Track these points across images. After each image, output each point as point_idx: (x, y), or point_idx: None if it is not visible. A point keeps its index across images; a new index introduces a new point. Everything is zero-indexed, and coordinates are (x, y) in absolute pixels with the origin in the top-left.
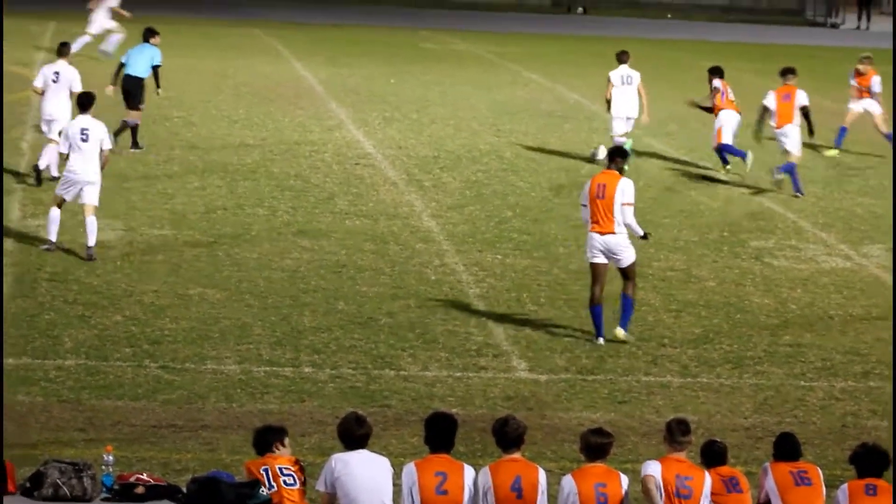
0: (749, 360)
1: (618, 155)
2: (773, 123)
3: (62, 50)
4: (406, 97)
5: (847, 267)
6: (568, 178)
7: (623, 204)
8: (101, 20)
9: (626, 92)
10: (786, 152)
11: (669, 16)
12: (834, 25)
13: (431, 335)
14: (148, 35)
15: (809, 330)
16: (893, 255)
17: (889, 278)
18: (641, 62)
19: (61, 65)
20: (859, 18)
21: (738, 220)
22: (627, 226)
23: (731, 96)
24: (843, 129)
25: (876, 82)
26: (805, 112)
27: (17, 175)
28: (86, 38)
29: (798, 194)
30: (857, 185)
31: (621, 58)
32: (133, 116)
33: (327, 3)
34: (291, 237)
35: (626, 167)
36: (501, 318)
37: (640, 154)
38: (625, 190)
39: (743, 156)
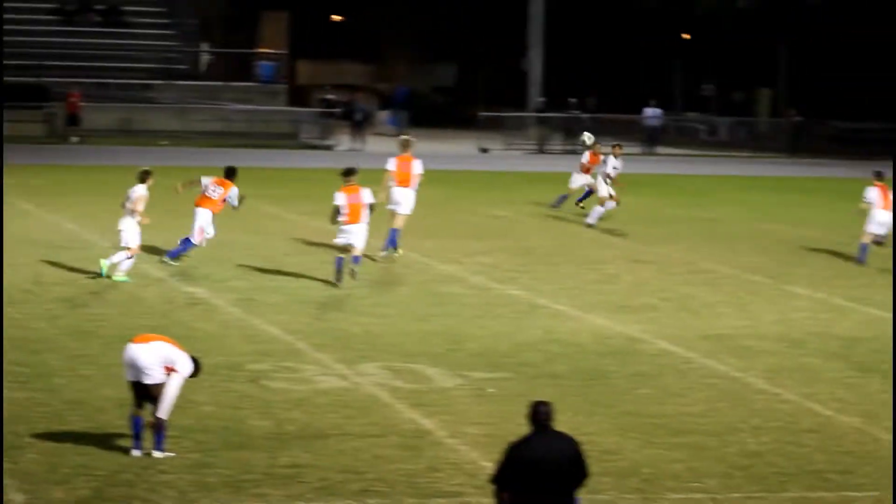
0: (248, 482)
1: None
2: (341, 219)
3: None
4: None
5: (343, 386)
6: (65, 308)
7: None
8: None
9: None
10: (349, 246)
11: (165, 142)
12: (328, 147)
13: None
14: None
15: (307, 450)
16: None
17: (384, 395)
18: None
19: None
20: (353, 140)
21: (234, 344)
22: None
23: (213, 194)
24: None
25: None
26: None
27: None
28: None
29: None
30: (353, 304)
31: (142, 178)
32: None
33: None
34: None
35: None
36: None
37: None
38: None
39: (174, 254)
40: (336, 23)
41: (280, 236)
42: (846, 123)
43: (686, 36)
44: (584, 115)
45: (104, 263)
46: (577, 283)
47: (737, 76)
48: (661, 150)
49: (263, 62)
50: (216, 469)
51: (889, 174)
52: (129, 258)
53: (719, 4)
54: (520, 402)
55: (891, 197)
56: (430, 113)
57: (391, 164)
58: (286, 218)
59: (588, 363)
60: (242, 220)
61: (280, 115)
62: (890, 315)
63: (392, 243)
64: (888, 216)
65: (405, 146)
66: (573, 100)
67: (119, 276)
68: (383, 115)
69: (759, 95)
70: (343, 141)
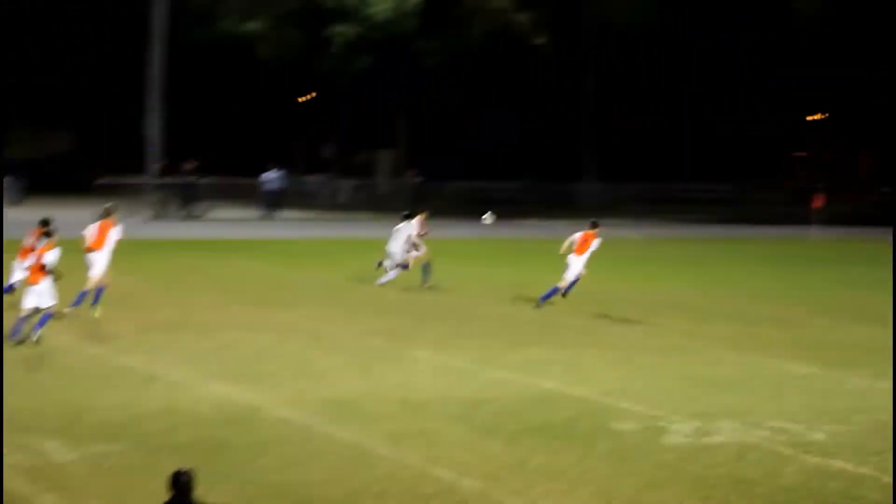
0: None
1: None
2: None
3: None
4: None
5: None
6: None
7: None
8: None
9: None
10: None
11: None
12: None
13: None
14: None
15: None
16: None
17: None
18: None
19: None
20: None
21: None
22: None
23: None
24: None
25: None
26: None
27: None
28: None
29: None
30: None
31: None
32: None
33: None
34: None
35: None
36: None
37: None
38: None
39: None
40: None
41: None
42: (467, 183)
43: (307, 97)
44: (202, 181)
45: None
46: (196, 352)
47: (358, 138)
48: (282, 213)
49: None
50: None
51: (601, 227)
52: None
53: (337, 66)
54: (140, 474)
55: (589, 245)
56: (46, 181)
57: (89, 230)
58: None
59: (208, 433)
60: None
61: None
62: (513, 376)
63: (96, 300)
64: (579, 263)
65: (106, 213)
66: (189, 165)
67: None
68: None
69: (380, 157)
70: None
